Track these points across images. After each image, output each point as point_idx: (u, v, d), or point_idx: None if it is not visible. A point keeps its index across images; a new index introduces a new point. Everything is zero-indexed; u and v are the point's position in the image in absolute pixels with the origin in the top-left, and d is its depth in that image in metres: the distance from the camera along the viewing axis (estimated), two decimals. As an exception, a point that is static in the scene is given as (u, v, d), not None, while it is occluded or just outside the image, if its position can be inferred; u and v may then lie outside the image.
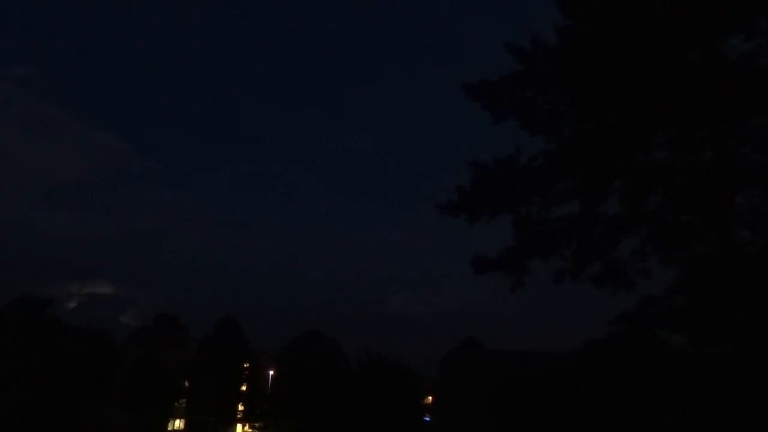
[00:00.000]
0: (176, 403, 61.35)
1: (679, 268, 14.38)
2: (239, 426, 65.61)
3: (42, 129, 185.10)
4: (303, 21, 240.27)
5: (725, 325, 14.16)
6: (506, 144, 14.56)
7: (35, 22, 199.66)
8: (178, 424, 64.57)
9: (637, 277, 14.21)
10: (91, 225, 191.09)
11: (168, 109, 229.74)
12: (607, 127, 13.85)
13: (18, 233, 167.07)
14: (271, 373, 64.58)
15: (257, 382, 63.29)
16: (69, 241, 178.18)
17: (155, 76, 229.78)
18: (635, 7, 13.28)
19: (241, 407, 62.01)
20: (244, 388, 61.91)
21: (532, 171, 14.41)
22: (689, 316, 14.67)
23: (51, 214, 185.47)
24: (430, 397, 65.20)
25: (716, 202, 13.28)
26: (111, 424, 54.01)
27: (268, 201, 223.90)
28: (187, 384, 60.91)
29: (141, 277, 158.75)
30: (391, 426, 51.16)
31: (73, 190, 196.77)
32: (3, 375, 48.87)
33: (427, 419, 60.57)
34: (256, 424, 62.24)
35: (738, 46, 12.80)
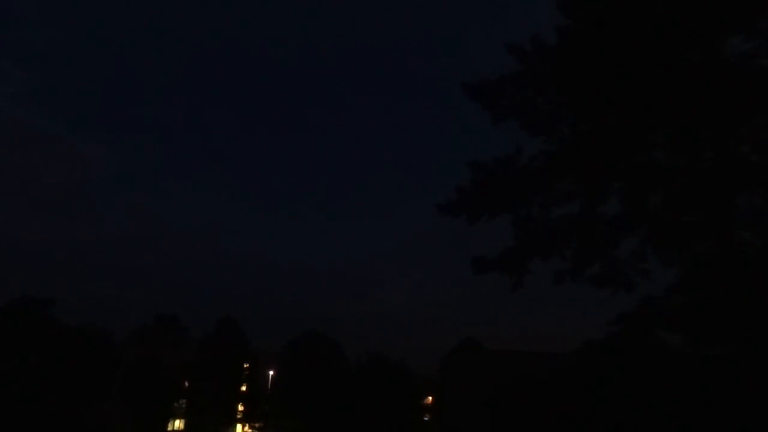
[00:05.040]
0: (176, 403, 61.30)
1: (679, 268, 14.38)
2: (239, 426, 65.58)
3: (32, 139, 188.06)
4: (296, 22, 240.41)
5: (725, 325, 14.15)
6: (506, 144, 14.56)
7: (19, 35, 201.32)
8: (178, 424, 64.52)
9: (637, 277, 14.19)
10: (88, 228, 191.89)
11: (155, 118, 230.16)
12: (607, 127, 13.83)
13: (16, 235, 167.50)
14: (271, 373, 64.55)
15: (257, 382, 63.26)
16: (68, 244, 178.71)
17: (140, 87, 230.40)
18: (635, 8, 13.27)
19: (241, 407, 61.98)
20: (244, 388, 61.89)
21: (532, 171, 14.39)
22: (689, 316, 14.66)
23: (48, 219, 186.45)
24: (430, 397, 65.17)
25: (716, 202, 13.26)
26: (111, 424, 54.02)
27: (266, 203, 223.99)
28: (187, 384, 60.87)
29: (141, 278, 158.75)
30: (391, 426, 51.17)
31: (66, 197, 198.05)
32: (3, 375, 48.86)
33: (427, 419, 60.58)
34: (256, 424, 62.23)
35: (738, 46, 12.80)
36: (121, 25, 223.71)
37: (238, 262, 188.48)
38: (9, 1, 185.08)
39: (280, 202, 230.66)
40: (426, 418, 62.41)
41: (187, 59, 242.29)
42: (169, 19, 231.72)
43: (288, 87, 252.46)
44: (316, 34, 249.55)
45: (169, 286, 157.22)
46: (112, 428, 53.91)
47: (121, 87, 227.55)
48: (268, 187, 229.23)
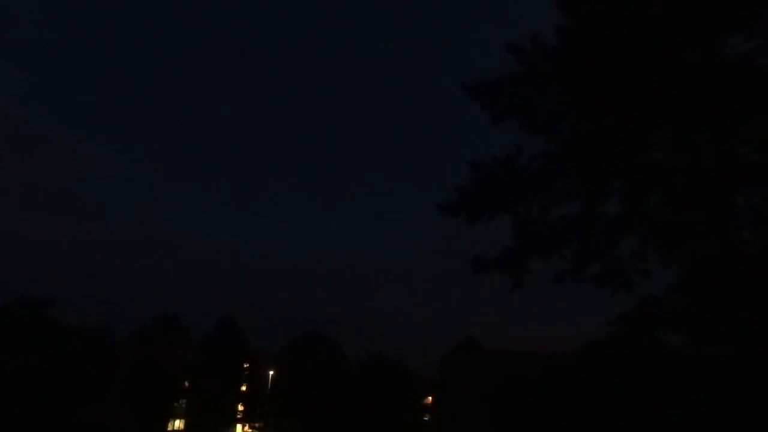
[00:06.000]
0: (176, 403, 61.34)
1: (679, 268, 14.38)
2: (239, 426, 65.61)
3: (34, 140, 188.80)
4: (295, 23, 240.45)
5: (725, 325, 14.15)
6: (506, 144, 14.58)
7: (19, 35, 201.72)
8: (178, 424, 64.55)
9: (637, 277, 14.19)
10: (88, 229, 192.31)
11: (155, 119, 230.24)
12: (607, 127, 13.85)
13: (16, 236, 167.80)
14: (271, 373, 64.58)
15: (257, 382, 63.29)
16: (68, 244, 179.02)
17: (140, 88, 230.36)
18: (635, 8, 13.28)
19: (241, 407, 62.04)
20: (244, 388, 61.94)
21: (532, 171, 14.40)
22: (689, 316, 14.66)
23: (48, 219, 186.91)
24: (430, 397, 65.19)
25: (716, 202, 13.27)
26: (111, 424, 54.02)
27: (266, 203, 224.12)
28: (187, 384, 60.92)
29: (141, 278, 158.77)
30: (391, 426, 51.18)
31: (65, 197, 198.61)
32: (3, 375, 48.85)
33: (427, 419, 60.56)
34: (256, 424, 62.27)
35: (738, 46, 12.81)
36: (121, 26, 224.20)
37: (238, 262, 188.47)
38: (9, 1, 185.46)
39: (279, 203, 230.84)
40: (426, 418, 62.43)
41: (187, 60, 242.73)
42: (169, 20, 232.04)
43: (287, 87, 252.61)
44: (316, 34, 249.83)
45: (169, 286, 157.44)
46: (112, 428, 53.91)
47: (121, 87, 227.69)
48: (268, 187, 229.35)
